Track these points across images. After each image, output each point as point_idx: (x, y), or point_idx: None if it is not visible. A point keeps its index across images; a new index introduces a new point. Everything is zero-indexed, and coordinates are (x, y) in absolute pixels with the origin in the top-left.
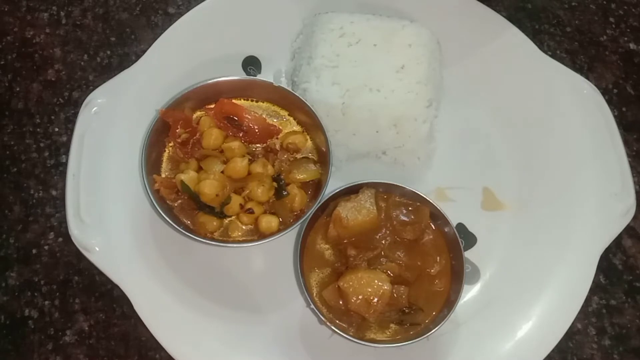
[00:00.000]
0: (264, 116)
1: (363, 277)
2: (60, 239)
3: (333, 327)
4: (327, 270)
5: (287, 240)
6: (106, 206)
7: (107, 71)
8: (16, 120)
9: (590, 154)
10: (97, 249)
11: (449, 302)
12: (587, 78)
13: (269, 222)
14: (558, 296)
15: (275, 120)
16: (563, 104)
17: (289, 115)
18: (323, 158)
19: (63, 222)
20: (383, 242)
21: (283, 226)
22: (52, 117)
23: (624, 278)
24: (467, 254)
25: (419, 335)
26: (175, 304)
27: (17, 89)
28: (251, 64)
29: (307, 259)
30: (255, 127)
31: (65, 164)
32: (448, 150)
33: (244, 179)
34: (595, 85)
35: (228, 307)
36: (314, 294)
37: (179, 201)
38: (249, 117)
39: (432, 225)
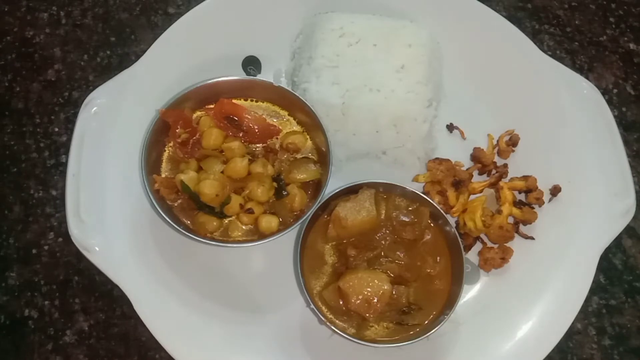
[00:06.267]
0: (264, 116)
1: (363, 277)
2: (60, 239)
3: (333, 327)
4: (327, 270)
5: (287, 240)
6: (106, 206)
7: (107, 71)
8: (16, 120)
9: (590, 154)
10: (97, 249)
11: (449, 302)
12: (587, 78)
13: (269, 222)
14: (558, 296)
15: (275, 120)
16: (563, 104)
17: (289, 115)
18: (323, 158)
19: (63, 222)
20: (383, 242)
21: (283, 226)
22: (52, 117)
23: (624, 278)
24: (467, 254)
25: (419, 335)
26: (175, 303)
27: (17, 89)
28: (251, 64)
29: (307, 259)
30: (255, 127)
31: (65, 164)
32: (448, 150)
33: (244, 179)
34: (595, 85)
35: (228, 307)
36: (314, 294)
37: (179, 201)
38: (249, 117)
39: (432, 225)
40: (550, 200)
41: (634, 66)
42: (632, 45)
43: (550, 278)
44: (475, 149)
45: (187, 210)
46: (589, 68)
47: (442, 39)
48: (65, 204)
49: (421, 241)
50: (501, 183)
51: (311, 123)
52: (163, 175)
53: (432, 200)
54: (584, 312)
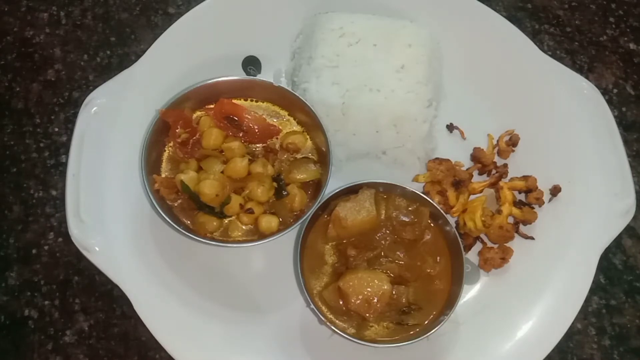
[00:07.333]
0: (264, 116)
1: (363, 277)
2: (60, 239)
3: (333, 327)
4: (327, 270)
5: (287, 240)
6: (106, 206)
7: (107, 71)
8: (16, 120)
9: (590, 154)
10: (97, 249)
11: (449, 302)
12: (587, 78)
13: (269, 222)
14: (558, 296)
15: (275, 120)
16: (563, 104)
17: (289, 115)
18: (323, 158)
19: (63, 222)
20: (383, 242)
21: (283, 226)
22: (52, 117)
23: (624, 278)
24: (467, 254)
25: (419, 335)
26: (175, 303)
27: (17, 89)
28: (251, 64)
29: (307, 259)
30: (255, 127)
31: (65, 164)
32: (448, 150)
33: (244, 179)
34: (595, 85)
35: (228, 307)
36: (314, 294)
37: (179, 201)
38: (249, 117)
39: (432, 225)
40: (550, 200)
41: (634, 66)
42: (632, 45)
43: (550, 278)
44: (475, 149)
45: (187, 210)
46: (589, 68)
47: (442, 39)
48: (65, 204)
49: (421, 241)
50: (501, 183)
51: (311, 123)
52: (163, 175)
53: (432, 200)
54: (584, 312)
